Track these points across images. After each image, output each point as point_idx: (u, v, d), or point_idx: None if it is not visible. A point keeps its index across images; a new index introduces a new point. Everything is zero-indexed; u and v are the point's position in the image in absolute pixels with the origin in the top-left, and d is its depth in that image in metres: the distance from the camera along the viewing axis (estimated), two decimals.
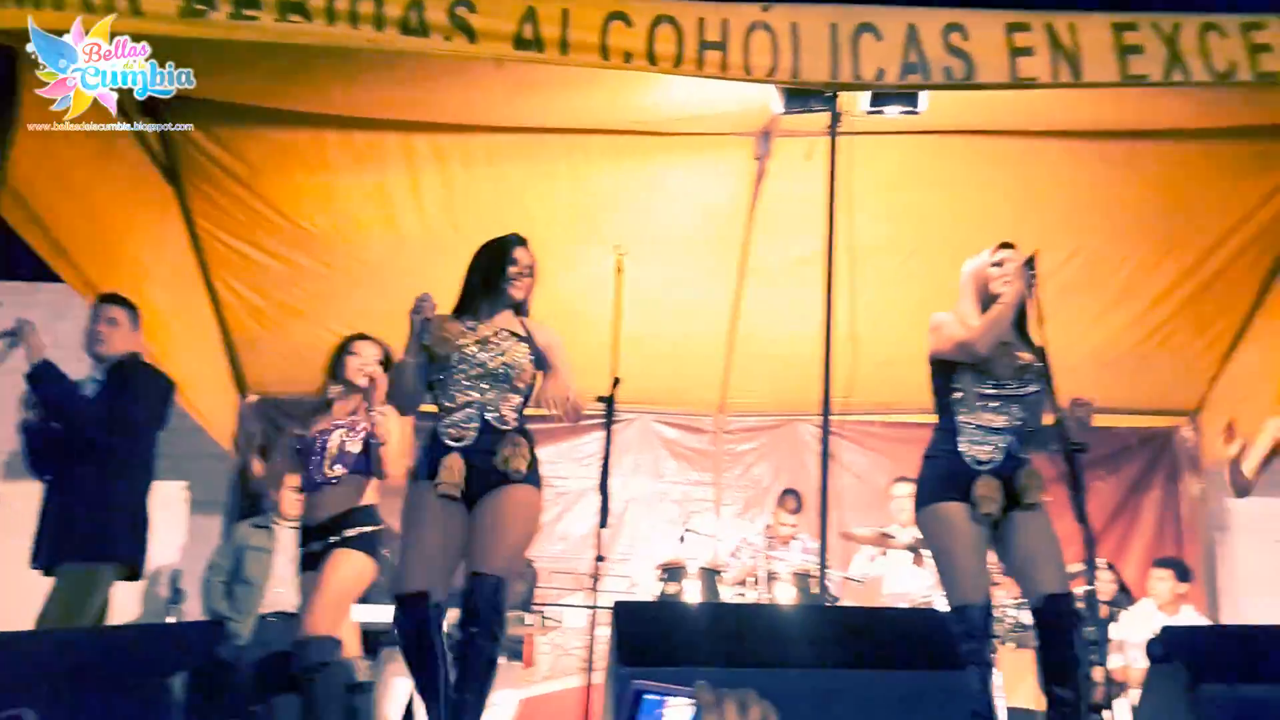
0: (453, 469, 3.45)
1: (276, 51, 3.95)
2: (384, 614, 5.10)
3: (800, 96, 4.22)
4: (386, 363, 4.17)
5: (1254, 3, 4.14)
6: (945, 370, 3.73)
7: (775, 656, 2.74)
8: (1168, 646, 2.96)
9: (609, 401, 4.06)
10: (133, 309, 4.30)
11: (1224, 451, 4.64)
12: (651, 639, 2.74)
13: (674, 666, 2.62)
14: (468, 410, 3.53)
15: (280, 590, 5.57)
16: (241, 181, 5.38)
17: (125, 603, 5.48)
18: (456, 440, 3.51)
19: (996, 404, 3.64)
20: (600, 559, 4.04)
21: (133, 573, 4.11)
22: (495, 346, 3.58)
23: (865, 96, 4.25)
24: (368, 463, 4.10)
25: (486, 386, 3.55)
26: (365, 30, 3.69)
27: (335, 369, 4.29)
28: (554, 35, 3.79)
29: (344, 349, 4.27)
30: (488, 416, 3.53)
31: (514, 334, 3.63)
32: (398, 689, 5.19)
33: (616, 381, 4.17)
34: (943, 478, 3.62)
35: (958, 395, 3.67)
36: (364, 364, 4.20)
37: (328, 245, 5.73)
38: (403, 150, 5.28)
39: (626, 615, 2.87)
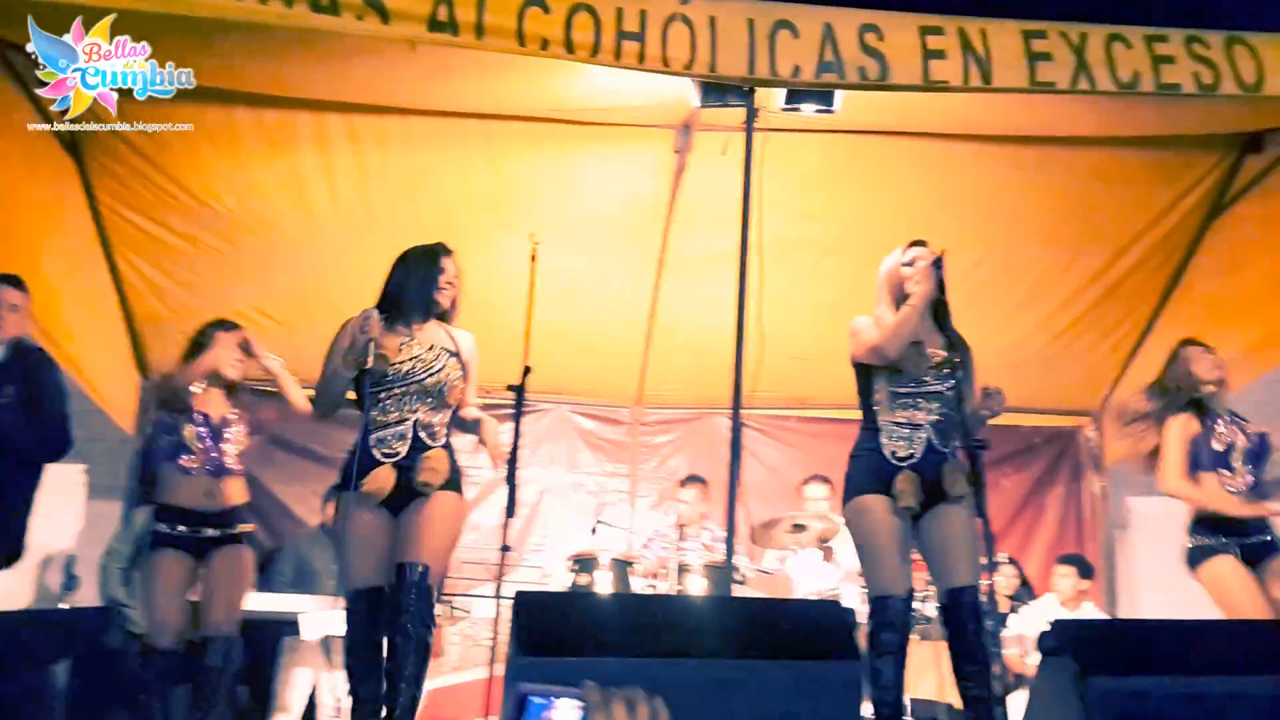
0: (381, 480, 3.53)
1: (182, 24, 3.84)
2: (284, 604, 5.04)
3: (717, 91, 4.22)
4: (246, 347, 4.28)
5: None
6: (865, 373, 3.82)
7: (674, 646, 2.74)
8: (1058, 639, 3.03)
9: (519, 391, 4.02)
10: (27, 290, 4.16)
11: None
12: (551, 629, 2.74)
13: (573, 657, 2.62)
14: (400, 427, 3.61)
15: None
16: (147, 158, 5.21)
17: (15, 589, 5.30)
18: (388, 456, 3.59)
19: (913, 401, 3.71)
20: (506, 549, 3.99)
21: (8, 561, 3.98)
22: (431, 364, 3.67)
23: (781, 93, 4.28)
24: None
25: (420, 404, 3.64)
26: (274, 6, 3.59)
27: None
28: (469, 19, 3.74)
29: (210, 340, 4.26)
30: (420, 434, 3.62)
31: (445, 349, 3.71)
32: (299, 679, 5.11)
33: (527, 370, 4.12)
34: (867, 474, 3.70)
35: (878, 396, 3.76)
36: (239, 358, 4.28)
37: (236, 225, 5.57)
38: (315, 130, 5.14)
39: (527, 605, 2.85)
